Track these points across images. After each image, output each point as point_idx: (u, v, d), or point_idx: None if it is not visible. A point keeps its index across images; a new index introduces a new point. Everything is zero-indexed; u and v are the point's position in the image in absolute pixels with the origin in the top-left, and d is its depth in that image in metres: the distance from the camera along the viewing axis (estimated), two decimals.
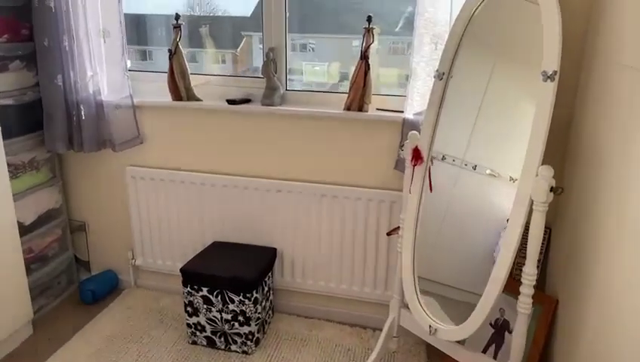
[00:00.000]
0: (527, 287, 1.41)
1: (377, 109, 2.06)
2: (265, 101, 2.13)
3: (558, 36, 1.31)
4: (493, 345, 1.82)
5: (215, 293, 2.00)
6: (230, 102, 2.15)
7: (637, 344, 0.96)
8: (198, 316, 2.06)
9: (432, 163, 1.72)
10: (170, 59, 2.16)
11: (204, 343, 2.10)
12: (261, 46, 2.21)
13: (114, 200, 2.43)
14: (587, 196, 1.45)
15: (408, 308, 1.76)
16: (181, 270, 2.04)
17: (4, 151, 1.96)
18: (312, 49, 2.38)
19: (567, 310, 1.57)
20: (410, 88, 1.89)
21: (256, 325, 2.03)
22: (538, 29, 1.36)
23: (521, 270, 1.43)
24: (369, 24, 1.95)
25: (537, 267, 1.42)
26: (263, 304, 2.11)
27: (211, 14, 2.43)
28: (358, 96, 2.00)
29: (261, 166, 2.20)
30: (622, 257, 1.11)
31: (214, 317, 2.04)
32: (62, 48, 2.07)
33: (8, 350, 2.05)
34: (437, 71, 1.68)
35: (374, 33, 1.96)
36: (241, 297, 1.97)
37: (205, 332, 2.08)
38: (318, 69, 2.41)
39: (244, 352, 2.06)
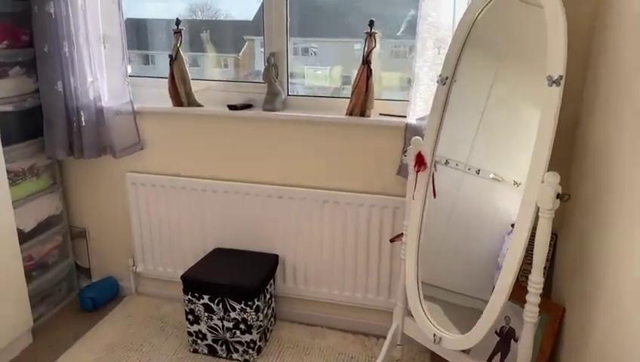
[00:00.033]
0: (533, 296, 1.39)
1: (380, 114, 2.04)
2: (266, 106, 2.11)
3: (564, 40, 1.29)
4: (499, 354, 1.79)
5: (216, 301, 1.98)
6: (231, 107, 2.13)
7: None
8: (199, 324, 2.03)
9: (435, 169, 1.69)
10: (170, 64, 2.15)
11: (206, 351, 2.07)
12: (263, 50, 2.19)
13: (114, 207, 2.41)
14: (595, 201, 1.43)
15: (412, 316, 1.74)
16: (182, 277, 2.02)
17: (4, 158, 1.95)
18: (314, 52, 2.37)
19: (574, 317, 1.54)
20: (413, 93, 1.87)
21: (257, 333, 2.01)
22: (542, 33, 1.34)
23: (526, 277, 1.41)
24: (371, 28, 1.93)
25: (543, 274, 1.39)
26: (265, 311, 2.08)
27: (213, 19, 2.42)
28: (361, 101, 1.98)
29: (262, 172, 2.18)
30: (632, 263, 1.08)
31: (216, 325, 2.01)
32: (62, 54, 2.06)
33: (8, 359, 2.02)
34: (440, 76, 1.66)
35: (376, 38, 1.94)
36: (242, 305, 1.95)
37: (206, 340, 2.05)
38: (320, 72, 2.39)
39: (245, 361, 2.03)
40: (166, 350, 2.10)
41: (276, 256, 2.20)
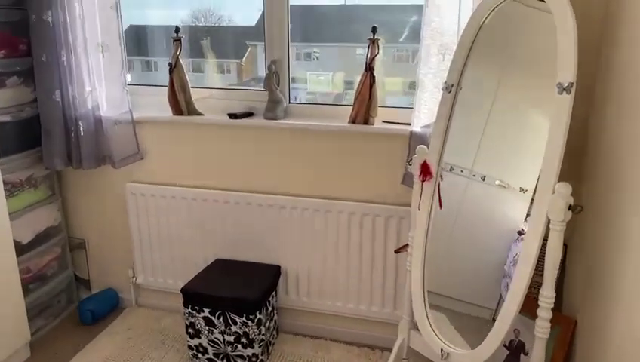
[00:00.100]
0: (544, 311, 1.34)
1: (383, 122, 2.00)
2: (267, 115, 2.07)
3: (574, 46, 1.24)
4: None
5: (217, 314, 1.93)
6: (232, 116, 2.10)
7: None
8: (199, 337, 1.99)
9: (441, 178, 1.65)
10: (170, 73, 2.11)
11: None
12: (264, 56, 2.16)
13: (114, 218, 2.38)
14: (609, 210, 1.38)
15: (418, 329, 1.69)
16: (182, 290, 1.97)
17: (1, 169, 1.92)
18: (317, 57, 2.35)
19: (587, 330, 1.49)
20: (417, 100, 1.83)
21: (259, 347, 1.96)
22: (550, 39, 1.30)
23: (536, 288, 1.36)
24: (374, 35, 1.90)
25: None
26: (267, 324, 2.04)
27: (216, 25, 2.41)
28: (364, 108, 1.95)
29: (264, 181, 2.14)
30: None
31: (216, 339, 1.97)
32: (60, 63, 2.03)
33: None
34: (445, 83, 1.62)
35: (379, 44, 1.91)
36: (244, 318, 1.90)
37: (207, 354, 2.01)
38: (322, 78, 2.37)
39: None
40: None
41: (278, 267, 2.16)
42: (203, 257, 2.25)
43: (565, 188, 1.24)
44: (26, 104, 2.13)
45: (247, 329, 1.91)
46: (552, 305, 1.34)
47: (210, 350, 2.00)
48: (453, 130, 1.64)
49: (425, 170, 1.63)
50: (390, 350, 1.84)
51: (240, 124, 2.09)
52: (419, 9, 1.81)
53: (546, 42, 1.36)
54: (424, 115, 1.84)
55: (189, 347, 2.03)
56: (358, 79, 1.97)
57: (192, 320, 1.98)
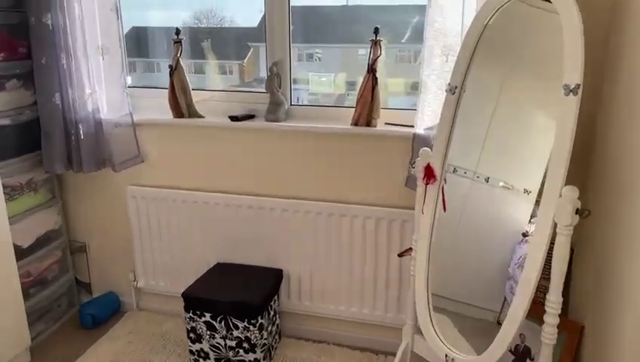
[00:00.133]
0: (551, 316, 1.31)
1: (386, 124, 1.98)
2: (269, 117, 2.05)
3: (581, 47, 1.22)
4: None
5: (218, 319, 1.91)
6: (233, 118, 2.08)
7: None
8: (201, 342, 1.97)
9: (445, 181, 1.63)
10: (170, 75, 2.10)
11: None
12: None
13: (115, 221, 2.36)
14: (617, 213, 1.35)
15: (422, 334, 1.67)
16: (182, 295, 1.96)
17: (0, 173, 1.90)
18: (319, 58, 2.34)
19: (595, 336, 1.47)
20: (421, 102, 1.81)
21: (262, 352, 1.94)
22: (554, 39, 1.28)
23: (542, 292, 1.33)
24: (376, 36, 1.88)
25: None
26: (269, 329, 2.02)
27: (218, 26, 2.40)
28: (366, 110, 1.92)
29: (266, 184, 2.12)
30: None
31: (218, 343, 1.95)
32: (60, 66, 2.01)
33: None
34: (449, 85, 1.59)
35: (381, 45, 1.88)
36: (245, 323, 1.88)
37: (209, 359, 1.99)
38: (324, 79, 2.36)
39: None
40: None
41: (280, 271, 2.14)
42: (204, 260, 2.23)
43: (572, 192, 1.21)
44: (25, 107, 2.11)
45: (248, 334, 1.89)
46: (559, 311, 1.31)
47: (212, 355, 1.98)
48: (456, 131, 1.62)
49: (428, 173, 1.60)
50: (394, 354, 1.82)
51: (241, 126, 2.08)
52: (421, 9, 1.79)
53: (551, 43, 1.34)
54: (427, 116, 1.82)
55: (191, 352, 2.01)
56: (360, 80, 1.95)
57: (194, 324, 1.96)
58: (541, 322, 1.33)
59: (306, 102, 2.26)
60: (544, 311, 1.31)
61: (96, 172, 2.19)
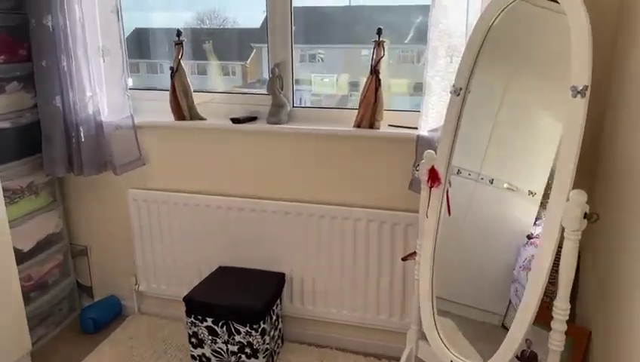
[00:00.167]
0: (559, 323, 1.28)
1: (389, 125, 1.96)
2: (271, 119, 2.03)
3: (588, 48, 1.19)
4: None
5: (220, 324, 1.90)
6: (234, 120, 2.06)
7: None
8: (202, 347, 1.95)
9: (450, 185, 1.60)
10: (172, 77, 2.08)
11: None
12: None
13: (116, 224, 2.35)
14: (625, 217, 1.33)
15: (427, 339, 1.64)
16: (184, 299, 1.94)
17: (0, 176, 1.89)
18: (322, 59, 2.33)
19: (602, 342, 1.44)
20: (425, 104, 1.78)
21: (264, 357, 1.92)
22: (560, 40, 1.25)
23: (549, 296, 1.31)
24: (379, 37, 1.85)
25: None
26: (272, 334, 1.99)
27: (221, 27, 2.39)
28: (369, 112, 1.90)
29: (268, 187, 2.10)
30: None
31: (220, 348, 1.93)
32: (60, 68, 2.00)
33: None
34: (453, 86, 1.57)
35: (384, 46, 1.86)
36: (247, 328, 1.86)
37: None
38: (327, 80, 2.34)
39: None
40: None
41: (283, 275, 2.12)
42: (206, 264, 2.22)
43: (581, 196, 1.18)
44: (25, 110, 2.10)
45: (251, 339, 1.87)
46: (567, 317, 1.28)
47: (214, 360, 1.96)
48: (460, 131, 1.59)
49: (433, 176, 1.58)
50: (398, 359, 1.80)
51: (243, 128, 2.06)
52: (424, 10, 1.77)
53: (557, 43, 1.32)
54: (432, 118, 1.80)
55: (192, 357, 1.99)
56: (363, 80, 1.93)
57: (195, 329, 1.94)
58: (548, 327, 1.30)
59: (308, 103, 2.25)
60: (551, 316, 1.28)
61: (97, 175, 2.17)
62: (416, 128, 1.84)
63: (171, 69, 2.08)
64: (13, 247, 1.94)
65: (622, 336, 1.24)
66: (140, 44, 2.49)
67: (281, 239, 2.10)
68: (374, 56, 1.87)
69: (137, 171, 2.21)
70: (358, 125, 1.94)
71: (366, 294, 2.07)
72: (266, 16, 2.07)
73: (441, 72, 1.74)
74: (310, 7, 2.20)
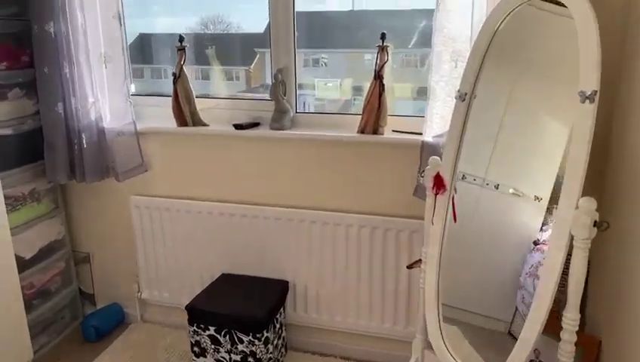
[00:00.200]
0: (568, 333, 1.25)
1: (394, 131, 1.94)
2: (274, 125, 2.02)
3: (597, 53, 1.17)
4: None
5: (223, 333, 1.87)
6: (237, 126, 2.04)
7: None
8: (205, 357, 1.93)
9: (455, 191, 1.57)
10: (174, 83, 2.07)
11: None
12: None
13: (119, 231, 2.33)
14: (635, 223, 1.29)
15: (432, 348, 1.61)
16: (186, 307, 1.92)
17: (3, 184, 1.87)
18: (325, 64, 2.32)
19: (612, 352, 1.41)
20: (429, 109, 1.76)
21: None
22: (568, 43, 1.23)
23: (557, 304, 1.27)
24: (383, 41, 1.84)
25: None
26: (275, 343, 1.97)
27: (225, 32, 2.39)
28: (373, 118, 1.88)
29: (271, 193, 2.08)
30: None
31: (222, 358, 1.90)
32: (62, 75, 1.99)
33: None
34: (459, 91, 1.54)
35: (388, 51, 1.84)
36: (250, 337, 1.84)
37: None
38: (330, 85, 2.33)
39: None
40: None
41: (286, 283, 2.09)
42: (209, 271, 2.20)
43: (590, 204, 1.16)
44: (27, 116, 2.09)
45: (254, 348, 1.85)
46: (577, 328, 1.25)
47: None
48: (465, 137, 1.57)
49: (438, 183, 1.55)
50: None
51: (246, 134, 2.04)
52: (428, 14, 1.75)
53: (564, 47, 1.30)
54: (436, 124, 1.77)
55: None
56: (366, 85, 1.91)
57: (198, 338, 1.91)
58: (556, 336, 1.27)
59: (312, 108, 2.24)
60: (559, 325, 1.25)
61: (99, 182, 2.16)
62: (421, 134, 1.82)
63: (174, 74, 2.07)
64: (15, 255, 1.93)
65: (634, 345, 1.21)
66: (144, 49, 2.50)
67: (284, 246, 2.08)
68: (378, 61, 1.85)
69: (140, 178, 2.19)
70: (362, 131, 1.92)
71: (370, 302, 2.05)
72: (269, 21, 2.06)
73: (445, 76, 1.72)
74: (313, 12, 2.19)
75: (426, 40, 1.76)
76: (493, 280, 1.65)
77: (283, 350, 2.11)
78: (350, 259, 2.02)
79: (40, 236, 2.20)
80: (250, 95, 2.40)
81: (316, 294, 2.11)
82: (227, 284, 2.09)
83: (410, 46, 2.09)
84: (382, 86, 1.86)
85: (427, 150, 1.78)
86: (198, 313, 1.90)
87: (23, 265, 2.05)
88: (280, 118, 2.02)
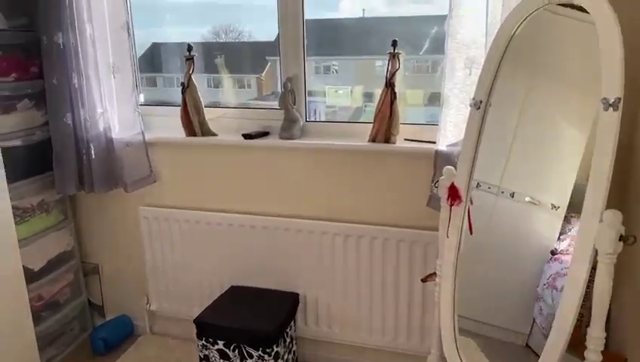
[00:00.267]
0: (593, 353, 1.19)
1: (406, 140, 1.89)
2: (283, 134, 1.98)
3: (620, 57, 1.12)
4: None
5: (232, 347, 1.83)
6: (246, 136, 2.01)
7: None
8: None
9: (471, 202, 1.52)
10: (182, 92, 2.05)
11: None
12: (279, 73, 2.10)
13: (127, 242, 2.31)
14: None
15: None
16: (195, 321, 1.88)
17: (11, 195, 1.86)
18: (336, 71, 2.31)
19: None
20: (443, 117, 1.72)
21: None
22: (588, 48, 1.18)
23: (579, 320, 1.22)
24: (394, 49, 1.80)
25: None
26: (286, 357, 1.92)
27: (236, 40, 2.39)
28: (384, 126, 1.84)
29: (280, 204, 2.05)
30: None
31: None
32: (71, 85, 1.99)
33: None
34: (473, 99, 1.49)
35: (400, 58, 1.80)
36: (260, 352, 1.79)
37: None
38: (341, 92, 2.31)
39: None
40: None
41: (297, 295, 2.05)
42: (218, 283, 2.16)
43: (615, 216, 1.10)
44: (36, 127, 2.08)
45: None
46: (602, 347, 1.19)
47: None
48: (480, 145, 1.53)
49: (453, 194, 1.50)
50: None
51: (255, 144, 2.01)
52: (439, 20, 1.72)
53: (581, 52, 1.26)
54: (450, 132, 1.73)
55: None
56: (377, 92, 1.88)
57: (206, 352, 1.88)
58: (578, 354, 1.22)
59: (323, 115, 2.21)
60: (581, 341, 1.20)
61: (108, 192, 2.15)
62: (434, 142, 1.77)
63: (182, 84, 2.05)
64: (24, 266, 1.91)
65: None
66: (156, 58, 2.51)
67: (294, 257, 2.04)
68: (389, 69, 1.81)
69: (148, 188, 2.18)
70: (373, 140, 1.88)
71: (384, 316, 1.99)
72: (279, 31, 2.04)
73: (459, 84, 1.67)
74: (324, 20, 2.17)
75: (437, 46, 1.72)
76: (510, 291, 1.61)
77: None
78: (362, 271, 1.97)
79: (49, 247, 2.19)
80: (261, 103, 2.39)
81: (328, 307, 2.06)
82: (236, 297, 2.05)
83: (421, 53, 2.06)
84: (393, 94, 1.82)
85: (441, 159, 1.73)
86: (207, 327, 1.86)
87: (31, 276, 2.04)
88: (289, 127, 1.99)
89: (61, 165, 2.08)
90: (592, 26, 1.16)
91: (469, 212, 1.52)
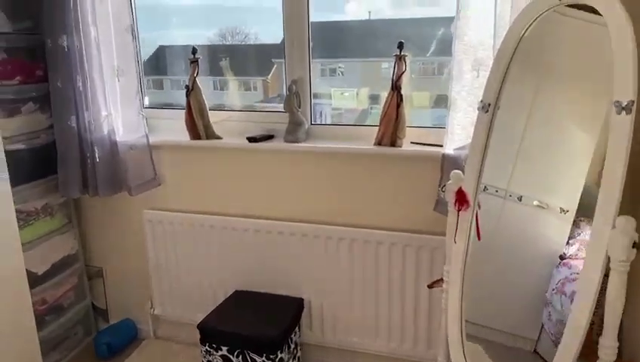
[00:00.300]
0: None
1: (412, 143, 1.87)
2: (288, 137, 1.97)
3: (633, 60, 1.09)
4: None
5: (236, 353, 1.81)
6: (251, 139, 2.00)
7: None
8: None
9: (479, 207, 1.50)
10: (187, 95, 2.03)
11: None
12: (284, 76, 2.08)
13: (132, 245, 2.30)
14: None
15: None
16: (198, 326, 1.86)
17: (15, 199, 1.85)
18: (342, 73, 2.30)
19: None
20: (450, 120, 1.69)
21: None
22: (598, 50, 1.17)
23: (590, 327, 1.18)
24: (400, 51, 1.77)
25: None
26: None
27: (242, 42, 2.39)
28: (390, 129, 1.82)
29: (285, 208, 2.03)
30: None
31: None
32: (76, 89, 1.98)
33: None
34: (481, 102, 1.47)
35: (406, 61, 1.78)
36: (264, 358, 1.77)
37: None
38: (347, 94, 2.30)
39: None
40: None
41: (301, 300, 2.03)
42: (222, 288, 2.15)
43: (628, 223, 1.07)
44: (41, 130, 2.08)
45: None
46: (615, 357, 1.16)
47: None
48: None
49: (461, 199, 1.48)
50: None
51: (259, 147, 2.00)
52: (445, 22, 1.70)
53: (592, 55, 1.24)
54: (457, 135, 1.70)
55: None
56: (383, 94, 1.86)
57: (210, 358, 1.86)
58: (588, 360, 1.19)
59: (329, 117, 2.20)
60: (592, 350, 1.16)
61: (112, 196, 2.13)
62: (441, 146, 1.74)
63: (186, 87, 2.04)
64: (27, 270, 1.90)
65: None
66: (163, 61, 2.52)
67: (299, 262, 2.02)
68: (395, 71, 1.79)
69: (152, 192, 2.16)
70: (379, 143, 1.86)
71: (389, 321, 1.97)
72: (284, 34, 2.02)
73: (467, 87, 1.65)
74: (330, 22, 2.15)
75: (444, 48, 1.70)
76: (518, 296, 1.60)
77: None
78: (368, 276, 1.95)
79: (53, 251, 2.18)
80: (267, 105, 2.38)
81: (333, 313, 2.04)
82: (240, 302, 2.04)
83: (428, 55, 2.04)
84: (400, 97, 1.79)
85: (448, 163, 1.70)
86: (210, 332, 1.84)
87: (35, 280, 2.03)
88: (294, 130, 1.97)
89: (65, 168, 2.08)
90: (602, 27, 1.14)
91: (477, 218, 1.49)
